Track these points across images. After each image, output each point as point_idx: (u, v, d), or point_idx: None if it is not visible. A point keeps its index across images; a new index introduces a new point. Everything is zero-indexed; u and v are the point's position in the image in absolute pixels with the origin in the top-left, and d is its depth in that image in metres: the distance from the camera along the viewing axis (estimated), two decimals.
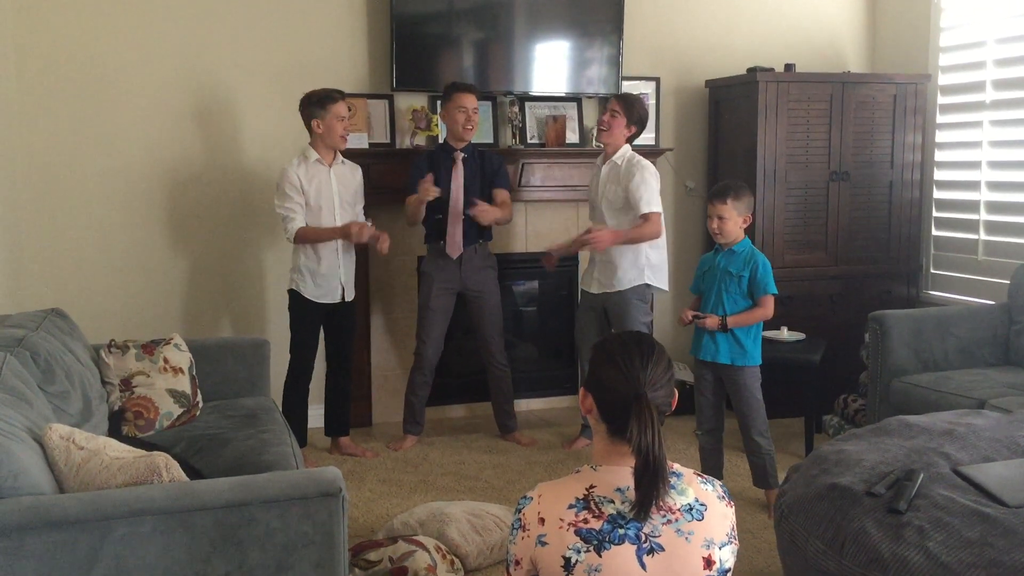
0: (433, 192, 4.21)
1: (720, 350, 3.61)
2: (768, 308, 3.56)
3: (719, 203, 3.56)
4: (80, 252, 4.45)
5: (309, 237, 4.11)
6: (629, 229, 4.15)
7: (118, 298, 4.52)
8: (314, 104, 4.08)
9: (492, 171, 4.46)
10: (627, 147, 4.26)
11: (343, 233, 4.12)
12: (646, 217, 4.12)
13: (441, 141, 4.56)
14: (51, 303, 3.72)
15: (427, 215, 4.37)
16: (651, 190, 4.13)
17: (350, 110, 4.44)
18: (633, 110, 4.19)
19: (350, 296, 4.29)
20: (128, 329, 4.26)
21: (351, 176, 4.28)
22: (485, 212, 4.31)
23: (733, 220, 3.55)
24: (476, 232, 4.44)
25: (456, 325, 4.68)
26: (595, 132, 4.97)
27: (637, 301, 4.28)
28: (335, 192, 4.17)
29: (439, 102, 4.48)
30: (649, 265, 4.27)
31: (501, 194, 4.46)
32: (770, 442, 3.69)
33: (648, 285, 4.29)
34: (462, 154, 4.38)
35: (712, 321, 3.57)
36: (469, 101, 4.31)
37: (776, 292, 3.56)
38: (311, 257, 4.15)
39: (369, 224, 4.21)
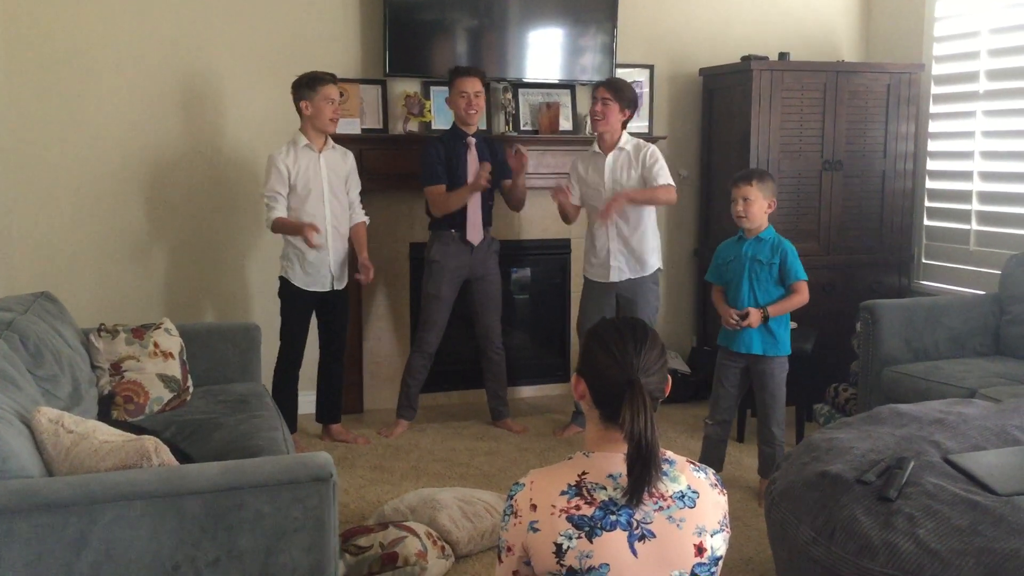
0: (485, 178, 4.22)
1: (754, 340, 3.57)
2: (804, 294, 3.54)
3: (744, 184, 3.53)
4: (69, 236, 4.42)
5: (283, 228, 4.06)
6: (646, 190, 4.17)
7: (107, 282, 4.49)
8: (304, 86, 4.05)
9: (504, 163, 4.46)
10: (626, 134, 4.28)
11: (303, 231, 3.94)
12: (666, 186, 4.18)
13: (445, 128, 4.52)
14: (40, 287, 3.70)
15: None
16: (665, 167, 4.23)
17: (342, 95, 4.41)
18: (622, 94, 4.19)
19: (340, 285, 4.26)
20: (114, 313, 4.24)
21: (341, 162, 4.24)
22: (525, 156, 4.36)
23: (758, 203, 3.52)
24: (486, 218, 4.45)
25: (452, 312, 4.67)
26: (588, 124, 4.96)
27: (653, 285, 4.38)
28: (324, 178, 4.13)
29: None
30: (657, 249, 4.38)
31: (510, 184, 4.49)
32: (784, 433, 3.69)
33: (660, 268, 4.42)
34: (474, 139, 4.36)
35: (755, 319, 3.52)
36: (470, 85, 4.28)
37: (807, 278, 3.54)
38: (300, 245, 4.12)
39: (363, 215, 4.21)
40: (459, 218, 4.36)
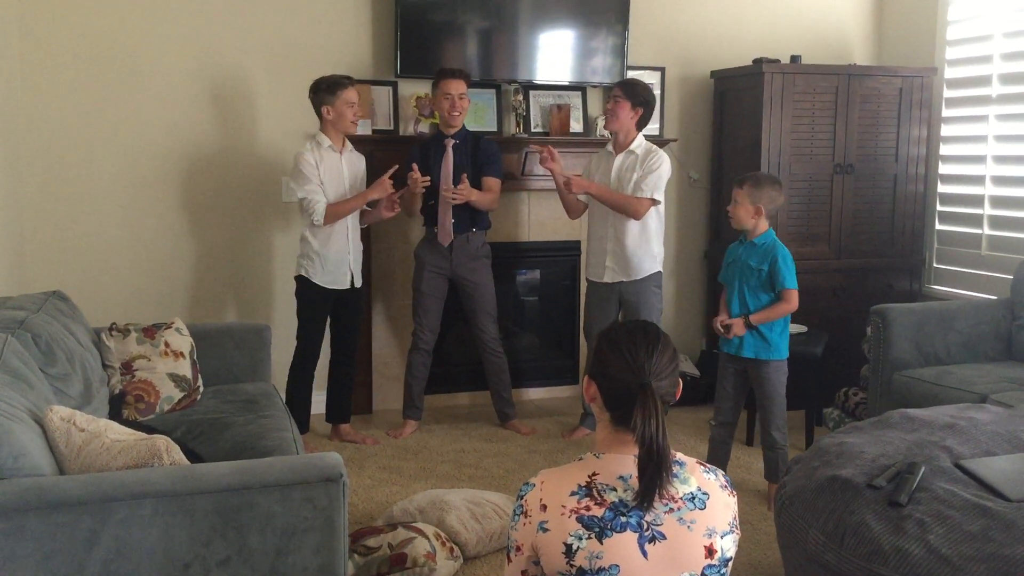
0: (421, 181, 4.22)
1: (744, 344, 3.60)
2: (791, 302, 3.54)
3: (736, 187, 3.61)
4: (83, 235, 4.44)
5: (338, 212, 4.11)
6: (614, 192, 4.19)
7: (122, 281, 4.51)
8: (323, 91, 4.10)
9: (484, 158, 4.43)
10: (642, 137, 4.28)
11: (370, 194, 4.12)
12: (639, 199, 4.15)
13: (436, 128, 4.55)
14: (53, 286, 3.71)
15: (423, 201, 4.38)
16: (660, 180, 4.19)
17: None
18: (635, 92, 4.20)
19: (359, 282, 4.30)
20: (132, 313, 4.26)
21: (358, 163, 4.31)
22: (460, 192, 4.27)
23: (744, 207, 3.56)
24: (469, 220, 4.43)
25: (457, 312, 4.67)
26: (602, 122, 4.96)
27: (655, 288, 4.36)
28: (346, 178, 4.19)
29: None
30: (658, 256, 4.35)
31: (487, 181, 4.44)
32: (786, 437, 3.70)
33: (660, 272, 4.37)
34: (453, 140, 4.38)
35: (738, 329, 3.57)
36: (455, 87, 4.30)
37: (793, 287, 3.54)
38: (322, 243, 4.15)
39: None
40: (435, 218, 4.39)
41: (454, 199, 4.29)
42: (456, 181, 4.31)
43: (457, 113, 4.33)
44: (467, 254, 4.46)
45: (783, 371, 3.66)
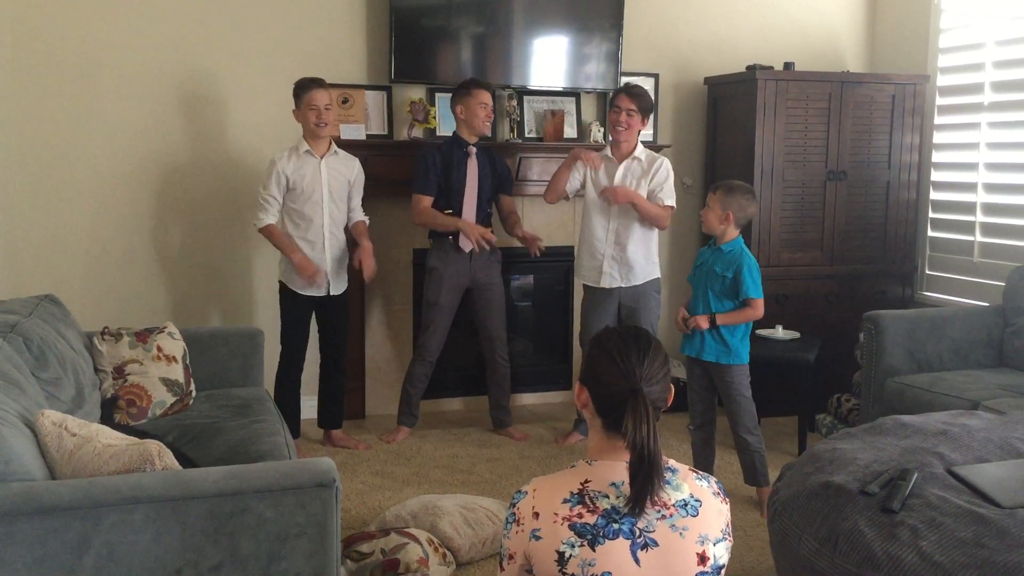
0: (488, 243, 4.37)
1: (705, 347, 3.63)
2: (756, 309, 3.56)
3: (710, 192, 3.66)
4: (73, 239, 4.43)
5: (271, 238, 4.12)
6: (648, 201, 4.21)
7: (111, 286, 4.50)
8: (293, 95, 4.10)
9: (503, 175, 4.51)
10: (640, 143, 4.33)
11: (295, 260, 4.06)
12: (666, 208, 4.23)
13: (450, 134, 4.52)
14: (44, 290, 3.70)
15: (437, 210, 4.38)
16: (673, 187, 4.28)
17: (346, 101, 4.43)
18: (646, 105, 4.24)
19: (335, 291, 4.24)
20: (118, 317, 4.24)
21: (345, 168, 4.24)
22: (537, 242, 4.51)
23: (714, 211, 3.59)
24: (485, 224, 4.45)
25: (455, 319, 4.67)
26: (596, 127, 4.97)
27: (655, 294, 4.39)
28: (325, 184, 4.14)
29: (453, 96, 4.42)
30: (656, 261, 4.39)
31: (509, 201, 4.56)
32: (759, 439, 3.70)
33: (659, 278, 4.40)
34: (474, 148, 4.39)
35: (703, 321, 3.59)
36: (488, 97, 4.36)
37: (757, 296, 3.54)
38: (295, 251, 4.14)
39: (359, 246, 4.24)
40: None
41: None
42: (480, 190, 4.38)
43: (490, 122, 4.41)
44: (485, 258, 4.48)
45: (745, 374, 3.68)
